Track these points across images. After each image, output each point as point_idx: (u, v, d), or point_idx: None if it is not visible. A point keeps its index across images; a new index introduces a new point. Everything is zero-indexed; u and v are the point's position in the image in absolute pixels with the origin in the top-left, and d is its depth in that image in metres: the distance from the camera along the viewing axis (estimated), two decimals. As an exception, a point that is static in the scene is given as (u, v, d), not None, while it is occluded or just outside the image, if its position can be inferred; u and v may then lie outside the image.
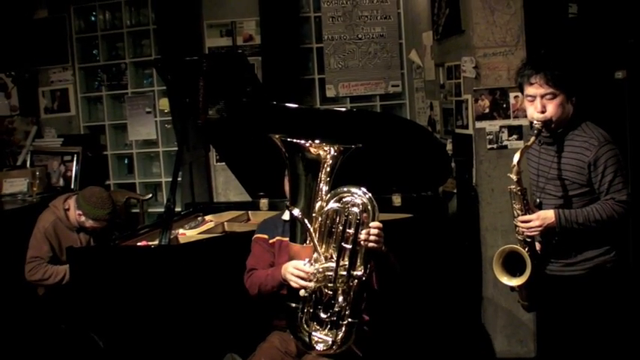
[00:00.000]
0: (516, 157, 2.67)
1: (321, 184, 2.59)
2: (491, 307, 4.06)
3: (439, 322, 3.77)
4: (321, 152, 2.57)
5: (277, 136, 2.61)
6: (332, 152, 2.57)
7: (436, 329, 3.75)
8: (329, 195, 2.56)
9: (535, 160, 2.84)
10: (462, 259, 4.04)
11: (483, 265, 4.08)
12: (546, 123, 2.67)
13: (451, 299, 3.91)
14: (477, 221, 4.04)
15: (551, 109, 2.66)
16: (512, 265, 2.74)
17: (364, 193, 2.51)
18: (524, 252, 2.70)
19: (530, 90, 2.70)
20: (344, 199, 2.53)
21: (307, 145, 2.56)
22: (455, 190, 4.36)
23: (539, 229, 2.68)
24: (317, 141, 2.57)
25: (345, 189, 2.53)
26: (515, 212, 2.74)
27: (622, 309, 2.81)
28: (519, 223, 2.72)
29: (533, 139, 2.70)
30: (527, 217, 2.69)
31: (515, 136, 3.90)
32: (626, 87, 4.05)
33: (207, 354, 3.28)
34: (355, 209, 2.50)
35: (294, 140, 2.57)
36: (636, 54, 3.99)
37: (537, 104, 2.67)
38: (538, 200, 2.82)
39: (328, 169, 2.58)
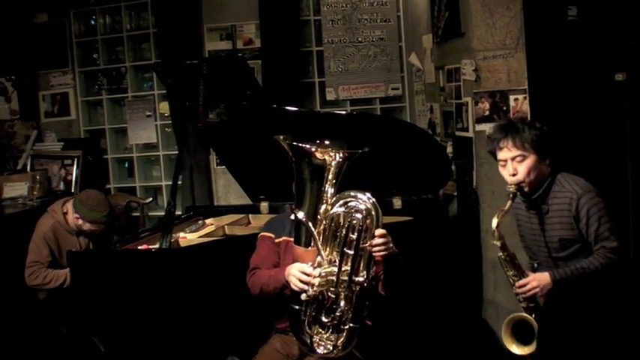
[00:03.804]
0: (494, 223, 2.63)
1: (327, 187, 2.58)
2: (492, 309, 4.06)
3: (440, 325, 3.77)
4: (327, 157, 2.56)
5: (283, 139, 2.61)
6: (338, 157, 2.57)
7: (437, 331, 3.75)
8: (334, 199, 2.56)
9: (526, 227, 2.82)
10: (462, 262, 4.04)
11: (484, 267, 4.08)
12: (520, 186, 2.65)
13: (452, 301, 3.91)
14: (478, 224, 4.04)
15: (522, 170, 2.64)
16: (521, 332, 2.64)
17: (368, 199, 2.49)
18: (531, 319, 2.62)
19: (500, 154, 2.70)
20: (349, 204, 2.51)
21: (314, 149, 2.56)
22: (455, 193, 4.36)
23: (537, 290, 2.64)
24: (326, 142, 2.56)
25: (352, 193, 2.52)
26: (510, 280, 2.70)
27: (623, 310, 2.80)
28: (518, 290, 2.67)
29: (509, 203, 2.66)
30: (523, 281, 2.65)
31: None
32: (627, 89, 4.05)
33: (209, 357, 3.28)
34: (358, 215, 2.48)
35: (301, 144, 2.57)
36: (636, 56, 3.98)
37: (509, 167, 2.66)
38: (536, 265, 2.79)
39: (334, 173, 2.58)
